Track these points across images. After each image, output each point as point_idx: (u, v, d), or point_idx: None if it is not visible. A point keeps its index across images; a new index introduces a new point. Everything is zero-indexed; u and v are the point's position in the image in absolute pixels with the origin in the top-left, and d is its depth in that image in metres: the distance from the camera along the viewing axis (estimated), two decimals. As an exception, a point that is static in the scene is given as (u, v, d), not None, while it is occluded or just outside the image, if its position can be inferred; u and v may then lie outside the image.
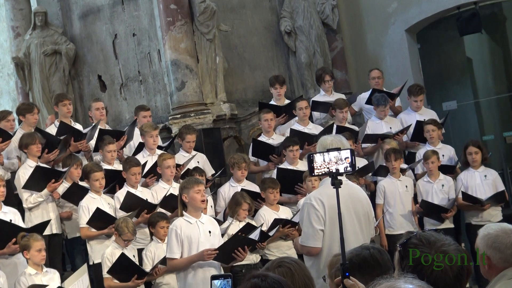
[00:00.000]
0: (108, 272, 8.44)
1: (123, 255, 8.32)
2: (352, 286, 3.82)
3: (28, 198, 9.44)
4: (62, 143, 10.13)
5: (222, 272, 7.68)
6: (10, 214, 8.86)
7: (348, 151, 4.28)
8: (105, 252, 8.69)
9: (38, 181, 9.38)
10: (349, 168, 4.27)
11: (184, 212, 7.56)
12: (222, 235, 8.80)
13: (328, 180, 4.99)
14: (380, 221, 10.18)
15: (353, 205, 6.44)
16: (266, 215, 9.63)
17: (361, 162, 10.37)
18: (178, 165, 10.21)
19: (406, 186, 10.43)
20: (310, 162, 4.31)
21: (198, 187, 7.50)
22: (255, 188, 10.36)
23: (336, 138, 6.64)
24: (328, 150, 4.31)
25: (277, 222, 9.41)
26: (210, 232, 7.65)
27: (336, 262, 4.32)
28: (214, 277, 3.92)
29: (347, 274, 3.85)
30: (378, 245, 4.75)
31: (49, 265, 8.77)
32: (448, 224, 10.33)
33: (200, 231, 7.55)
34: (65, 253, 10.40)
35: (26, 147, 9.70)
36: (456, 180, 10.63)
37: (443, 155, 10.85)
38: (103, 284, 8.58)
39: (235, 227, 9.21)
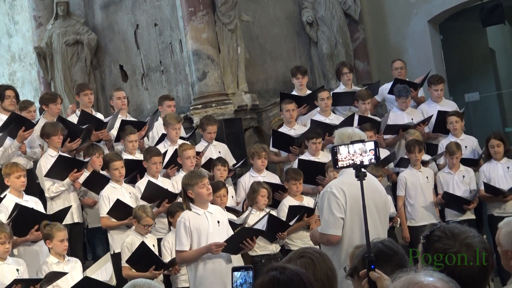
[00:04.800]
0: (127, 261, 8.41)
1: (143, 244, 8.29)
2: (378, 278, 3.79)
3: (50, 187, 9.47)
4: (85, 132, 10.15)
5: (231, 261, 7.67)
6: (31, 203, 8.87)
7: (373, 142, 4.26)
8: (125, 241, 8.69)
9: (60, 170, 9.40)
10: (373, 160, 4.25)
11: (191, 205, 7.49)
12: (242, 224, 8.80)
13: (347, 169, 4.97)
14: (401, 213, 10.15)
15: (372, 195, 6.44)
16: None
17: (383, 153, 10.33)
18: (197, 153, 10.22)
19: (427, 177, 10.38)
20: (334, 154, 4.28)
21: (202, 182, 7.40)
22: (275, 178, 10.34)
23: (355, 130, 6.64)
24: (353, 142, 4.28)
25: (292, 209, 9.37)
26: (218, 222, 7.60)
27: (358, 254, 4.26)
28: (235, 269, 3.89)
29: (372, 266, 3.81)
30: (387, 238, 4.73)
31: (70, 254, 8.77)
32: (470, 215, 10.28)
33: (209, 222, 7.47)
34: (86, 243, 10.43)
35: (47, 137, 9.72)
36: (479, 172, 10.58)
37: (465, 146, 10.82)
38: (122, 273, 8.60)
39: (254, 216, 9.16)
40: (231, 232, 7.77)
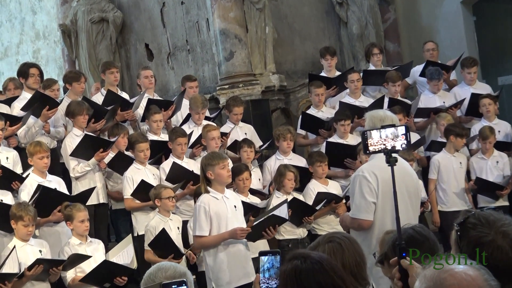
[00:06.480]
0: (149, 245, 8.38)
1: (163, 232, 8.21)
2: (409, 266, 3.69)
3: (76, 167, 9.40)
4: (110, 113, 10.07)
5: (249, 248, 7.66)
6: (54, 183, 8.86)
7: (404, 127, 4.13)
8: (149, 224, 8.62)
9: (86, 149, 9.35)
10: (405, 145, 4.13)
11: (209, 188, 7.43)
12: (265, 208, 8.72)
13: (379, 153, 4.85)
14: (432, 197, 9.99)
15: (404, 180, 6.36)
16: (316, 189, 9.46)
17: (413, 137, 10.14)
18: (224, 134, 10.14)
19: (460, 163, 10.21)
20: (365, 139, 4.16)
21: (223, 163, 7.36)
22: (302, 161, 10.20)
23: (387, 113, 6.55)
24: (384, 127, 4.15)
25: (320, 196, 9.29)
26: (235, 206, 7.56)
27: (388, 240, 4.19)
28: (262, 253, 3.88)
29: (403, 254, 3.72)
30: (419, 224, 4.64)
31: (95, 234, 8.80)
32: (503, 202, 10.12)
33: (227, 206, 7.45)
34: (110, 224, 10.36)
35: (73, 116, 9.65)
36: (512, 157, 10.41)
37: (499, 131, 10.63)
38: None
39: (279, 200, 8.94)
40: (243, 218, 7.76)
